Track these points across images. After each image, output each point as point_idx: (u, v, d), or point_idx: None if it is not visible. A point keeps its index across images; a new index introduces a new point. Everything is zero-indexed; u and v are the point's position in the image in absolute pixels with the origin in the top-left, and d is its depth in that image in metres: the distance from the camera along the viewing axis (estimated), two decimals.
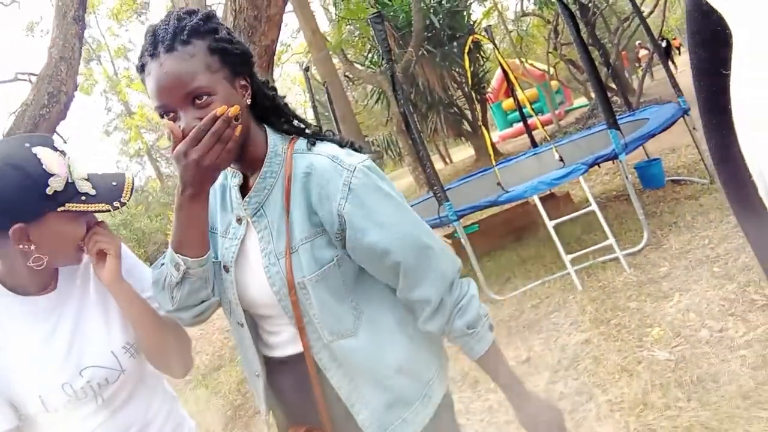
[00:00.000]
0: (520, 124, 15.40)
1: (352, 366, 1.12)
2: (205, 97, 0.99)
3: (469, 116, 14.48)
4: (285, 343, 1.18)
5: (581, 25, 5.31)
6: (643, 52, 18.23)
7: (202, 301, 1.14)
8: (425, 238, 1.12)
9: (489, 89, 16.77)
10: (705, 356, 2.68)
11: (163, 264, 1.13)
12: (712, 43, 0.49)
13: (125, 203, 1.21)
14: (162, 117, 1.02)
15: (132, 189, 1.23)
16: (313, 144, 1.14)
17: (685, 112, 5.13)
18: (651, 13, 12.67)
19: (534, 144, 7.56)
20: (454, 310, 1.13)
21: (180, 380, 5.48)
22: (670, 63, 19.41)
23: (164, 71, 0.98)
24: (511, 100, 16.19)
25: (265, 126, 1.16)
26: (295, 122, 1.19)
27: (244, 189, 1.15)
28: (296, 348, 1.15)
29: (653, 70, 18.12)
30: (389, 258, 1.08)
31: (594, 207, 4.27)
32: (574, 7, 5.01)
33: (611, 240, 4.19)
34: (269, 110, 1.16)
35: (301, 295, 1.08)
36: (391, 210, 1.09)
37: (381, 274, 1.13)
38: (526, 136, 13.08)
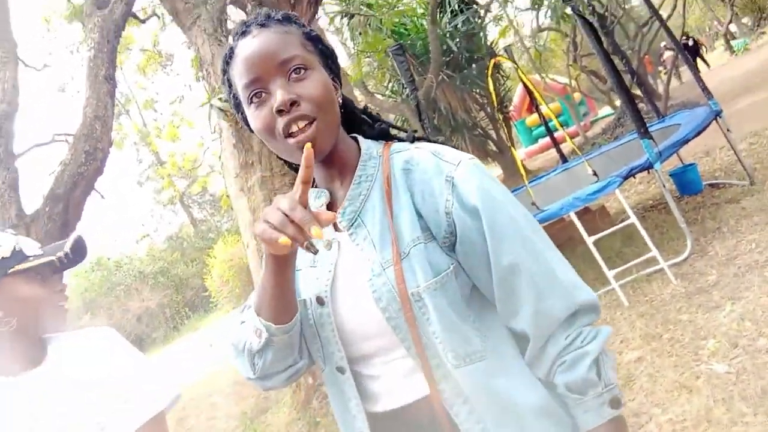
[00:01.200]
0: (546, 140, 15.34)
1: (481, 401, 0.91)
2: (302, 70, 0.90)
3: (494, 136, 14.45)
4: (393, 387, 0.96)
5: (601, 36, 5.30)
6: (668, 54, 17.88)
7: (289, 366, 1.01)
8: (537, 257, 0.91)
9: (511, 107, 16.74)
10: (766, 367, 2.58)
11: (243, 322, 0.99)
12: None
13: (68, 252, 1.26)
14: (251, 101, 0.91)
15: (81, 244, 1.28)
16: (412, 142, 1.03)
17: (717, 114, 5.04)
18: (669, 16, 12.56)
19: (563, 159, 7.49)
20: (557, 361, 0.91)
21: (228, 425, 5.50)
22: (700, 62, 18.99)
23: (258, 41, 0.91)
24: (534, 116, 16.15)
25: (355, 135, 1.05)
26: (392, 129, 1.08)
27: (331, 208, 1.01)
28: (409, 393, 0.95)
29: (680, 72, 17.86)
30: (493, 271, 0.91)
31: (633, 219, 4.20)
32: (591, 18, 5.01)
33: (654, 251, 4.11)
34: (358, 118, 1.07)
35: (416, 308, 0.90)
36: (501, 216, 0.91)
37: (488, 292, 0.94)
38: (552, 151, 13.02)
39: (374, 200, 0.96)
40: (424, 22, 11.75)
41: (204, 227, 28.41)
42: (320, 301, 0.97)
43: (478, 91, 13.48)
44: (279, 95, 0.87)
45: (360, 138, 1.04)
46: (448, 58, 12.52)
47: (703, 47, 20.61)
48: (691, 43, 19.07)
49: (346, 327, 0.96)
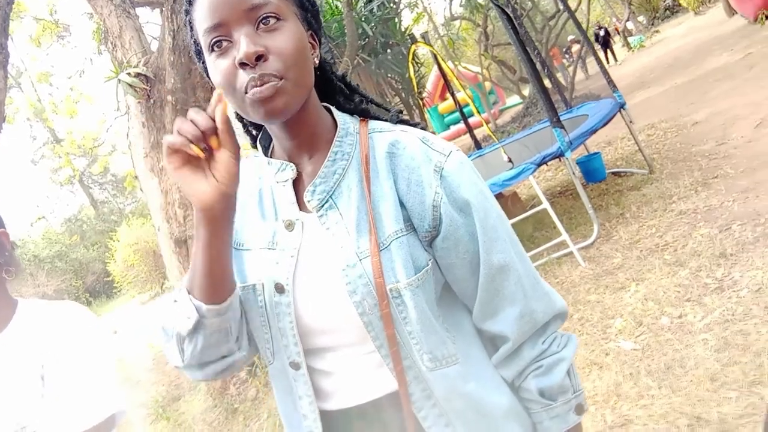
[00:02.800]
0: (458, 127, 15.72)
1: (451, 404, 0.87)
2: (272, 20, 0.79)
3: (409, 121, 14.58)
4: (349, 385, 0.90)
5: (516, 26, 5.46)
6: (576, 47, 18.56)
7: (223, 357, 0.89)
8: (522, 259, 0.90)
9: (425, 93, 16.97)
10: (669, 343, 2.78)
11: (175, 302, 0.86)
12: None
13: None
14: (212, 50, 0.80)
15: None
16: (395, 123, 0.94)
17: (622, 105, 5.33)
18: (575, 10, 13.12)
19: (477, 145, 7.68)
20: (532, 365, 0.90)
21: (138, 414, 5.28)
22: (609, 54, 19.77)
23: None
24: (447, 103, 16.49)
25: (329, 107, 0.95)
26: (371, 104, 0.98)
27: (297, 186, 0.91)
28: (368, 391, 0.89)
29: (587, 65, 18.70)
30: (481, 271, 0.87)
31: (546, 204, 4.37)
32: (507, 9, 5.15)
33: (564, 236, 4.30)
34: (335, 87, 0.96)
35: (393, 306, 0.83)
36: (492, 214, 0.87)
37: (465, 291, 0.91)
38: (463, 138, 13.37)
39: (350, 181, 0.87)
40: (340, 5, 11.65)
41: (106, 209, 27.01)
42: (279, 288, 0.88)
43: (392, 76, 13.56)
44: (243, 46, 0.76)
45: (333, 110, 0.94)
46: (363, 42, 12.49)
47: (612, 39, 21.49)
48: (602, 33, 19.78)
49: (304, 318, 0.88)
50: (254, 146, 1.00)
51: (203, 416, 4.54)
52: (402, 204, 0.85)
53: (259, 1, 0.78)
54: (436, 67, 9.97)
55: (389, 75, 13.57)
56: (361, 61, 12.17)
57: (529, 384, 0.90)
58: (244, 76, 0.77)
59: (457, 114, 8.95)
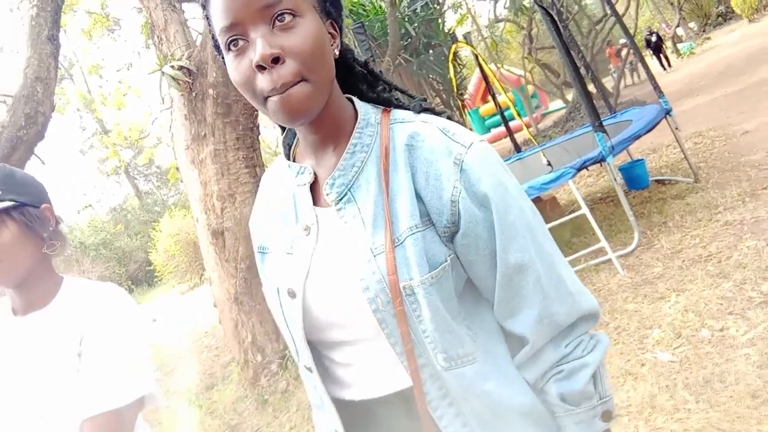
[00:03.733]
0: (498, 130, 15.56)
1: (468, 404, 0.85)
2: (288, 18, 0.76)
3: None
4: (367, 378, 0.89)
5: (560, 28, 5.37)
6: (624, 52, 18.09)
7: None
8: (545, 259, 0.85)
9: (466, 95, 16.87)
10: (708, 356, 2.68)
11: None
12: None
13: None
14: (228, 49, 0.78)
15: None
16: (418, 113, 0.90)
17: (667, 112, 5.18)
18: (622, 16, 12.85)
19: (517, 148, 7.59)
20: (553, 368, 0.87)
21: (171, 401, 5.38)
22: (663, 60, 18.85)
23: None
24: (487, 105, 16.36)
25: (351, 97, 0.92)
26: (395, 92, 0.95)
27: (315, 187, 0.90)
28: (386, 385, 0.88)
29: (638, 70, 18.13)
30: (498, 269, 0.83)
31: (585, 210, 4.28)
32: (551, 11, 5.08)
33: (603, 242, 4.21)
34: (357, 74, 0.93)
35: (407, 303, 0.81)
36: (513, 210, 0.82)
37: (487, 288, 0.87)
38: (504, 141, 13.23)
39: (369, 174, 0.85)
40: (383, 4, 11.66)
41: (149, 200, 27.65)
42: (291, 293, 0.88)
43: (434, 77, 13.52)
44: (259, 48, 0.73)
45: (356, 100, 0.91)
46: (406, 42, 12.48)
47: (665, 45, 20.49)
48: (654, 39, 18.93)
49: (321, 314, 0.87)
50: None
51: (234, 406, 4.59)
52: (420, 198, 0.82)
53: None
54: (478, 69, 9.89)
55: (431, 76, 13.53)
56: (402, 61, 12.16)
57: (550, 388, 0.87)
58: (262, 80, 0.76)
59: (498, 117, 8.86)
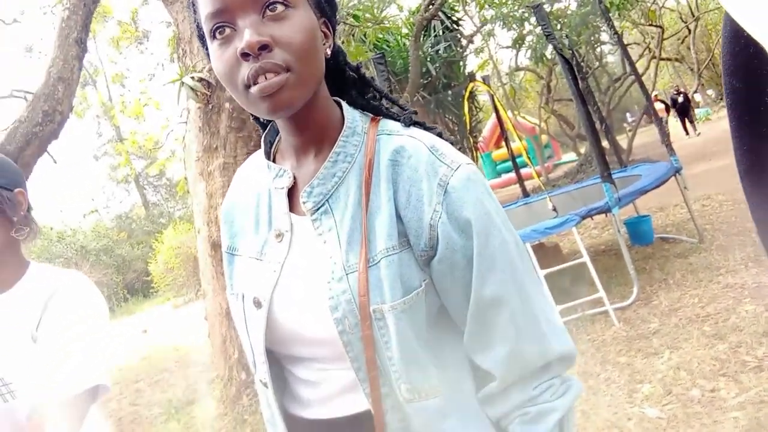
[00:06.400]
0: (508, 176, 15.64)
1: None
2: (280, 7, 0.72)
3: None
4: (330, 397, 0.84)
5: (578, 78, 5.45)
6: (658, 106, 16.97)
7: None
8: (523, 295, 0.79)
9: (480, 138, 17.02)
10: (697, 416, 2.63)
11: None
12: (749, 74, 0.51)
13: None
14: (214, 36, 0.74)
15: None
16: (407, 126, 0.85)
17: (677, 170, 5.20)
18: (642, 75, 13.01)
19: (525, 193, 7.61)
20: (518, 410, 0.81)
21: (151, 413, 5.31)
22: (687, 123, 18.34)
23: None
24: (500, 151, 16.47)
25: (339, 101, 0.88)
26: (385, 101, 0.91)
27: (293, 191, 0.85)
28: (346, 407, 0.83)
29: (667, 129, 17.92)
30: (471, 301, 0.78)
31: (586, 258, 4.26)
32: (571, 60, 5.17)
33: (601, 293, 4.17)
34: (348, 78, 0.89)
35: (376, 328, 0.76)
36: (494, 241, 0.77)
37: (459, 318, 0.82)
38: (513, 186, 13.30)
39: (349, 187, 0.80)
40: (407, 42, 11.87)
41: (156, 211, 27.79)
42: (257, 302, 0.83)
43: (450, 117, 13.66)
44: (246, 35, 0.69)
45: (344, 105, 0.86)
46: (425, 81, 12.66)
47: (693, 106, 19.63)
48: (681, 99, 17.94)
49: (286, 327, 0.82)
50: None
51: (212, 422, 4.52)
52: (399, 218, 0.78)
53: None
54: (494, 114, 10.01)
55: (447, 116, 13.68)
56: (420, 98, 12.31)
57: (514, 429, 0.81)
58: (246, 69, 0.71)
59: (510, 163, 8.91)
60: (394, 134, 0.83)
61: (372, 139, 0.82)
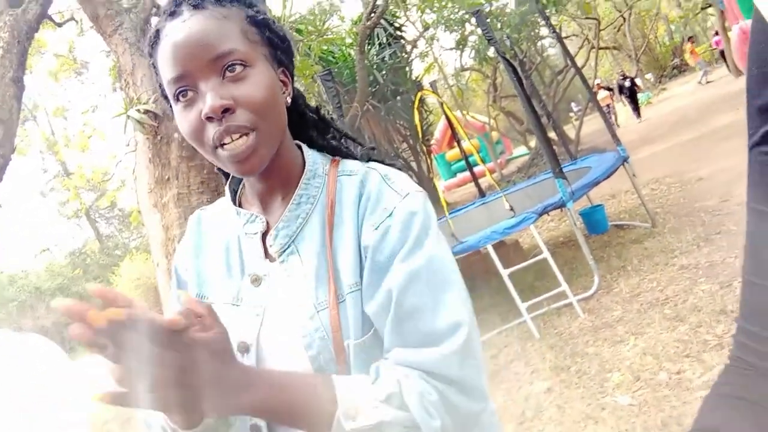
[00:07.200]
0: (464, 174, 15.81)
1: None
2: (238, 68, 0.75)
3: (415, 167, 14.77)
4: None
5: (522, 77, 5.59)
6: (602, 94, 17.32)
7: None
8: (450, 305, 0.81)
9: (433, 141, 17.18)
10: (666, 399, 2.71)
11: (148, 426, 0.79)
12: None
13: None
14: (177, 99, 0.76)
15: None
16: (366, 162, 0.88)
17: (625, 159, 5.36)
18: (582, 66, 13.35)
19: (481, 193, 7.71)
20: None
21: None
22: (628, 107, 18.66)
23: (188, 27, 0.75)
24: (454, 150, 16.64)
25: (300, 144, 0.90)
26: (344, 141, 0.94)
27: (266, 232, 0.86)
28: None
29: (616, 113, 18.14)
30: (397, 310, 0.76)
31: (546, 254, 4.35)
32: (513, 61, 5.29)
33: (564, 286, 4.26)
34: (310, 122, 0.92)
35: (348, 363, 0.77)
36: (423, 259, 0.76)
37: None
38: (469, 185, 13.48)
39: (313, 227, 0.82)
40: (352, 52, 11.91)
41: (111, 243, 27.09)
42: (244, 347, 0.81)
43: (401, 123, 13.78)
44: (209, 99, 0.72)
45: (305, 148, 0.89)
46: (374, 89, 12.73)
47: (640, 89, 19.85)
48: (628, 83, 18.11)
49: (275, 368, 0.82)
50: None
51: None
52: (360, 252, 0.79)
53: (223, 49, 0.75)
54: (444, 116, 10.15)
55: (398, 122, 13.79)
56: (370, 107, 12.37)
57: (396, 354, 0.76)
58: (212, 130, 0.74)
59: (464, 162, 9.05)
60: (353, 174, 0.85)
61: (333, 180, 0.85)
